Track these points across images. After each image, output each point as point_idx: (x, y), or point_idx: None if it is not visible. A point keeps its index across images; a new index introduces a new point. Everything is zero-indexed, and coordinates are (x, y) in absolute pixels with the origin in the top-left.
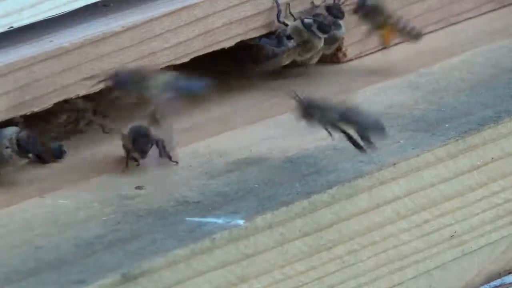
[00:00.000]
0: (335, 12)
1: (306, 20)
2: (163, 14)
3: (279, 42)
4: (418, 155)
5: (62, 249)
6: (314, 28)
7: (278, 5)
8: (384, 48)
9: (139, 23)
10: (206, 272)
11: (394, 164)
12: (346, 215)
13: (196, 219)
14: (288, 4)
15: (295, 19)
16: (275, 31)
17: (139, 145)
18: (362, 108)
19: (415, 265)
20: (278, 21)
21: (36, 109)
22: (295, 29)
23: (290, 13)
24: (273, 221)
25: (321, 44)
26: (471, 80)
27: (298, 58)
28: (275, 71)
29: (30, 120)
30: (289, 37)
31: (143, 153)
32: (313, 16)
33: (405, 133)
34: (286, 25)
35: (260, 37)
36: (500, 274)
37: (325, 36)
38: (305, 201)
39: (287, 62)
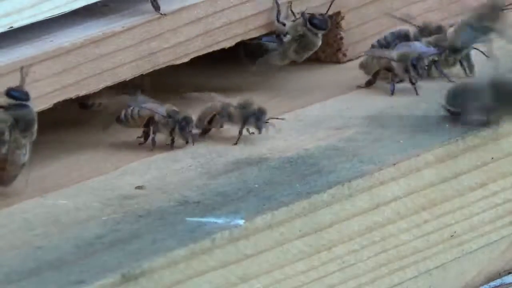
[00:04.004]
0: (317, 22)
1: (305, 16)
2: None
3: (279, 41)
4: (418, 155)
5: (62, 249)
6: (308, 23)
7: (278, 5)
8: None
9: (139, 23)
10: (206, 272)
11: (394, 164)
12: (346, 215)
13: (196, 219)
14: (290, 3)
15: (296, 19)
16: (275, 31)
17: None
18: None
19: (415, 265)
20: (278, 21)
21: (35, 109)
22: (292, 25)
23: (291, 11)
24: (273, 221)
25: (319, 41)
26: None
27: (296, 58)
28: (272, 69)
29: None
30: (285, 35)
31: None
32: (311, 14)
33: (405, 133)
34: (285, 25)
35: (263, 36)
36: (500, 274)
37: (322, 32)
38: (305, 201)
39: (285, 61)
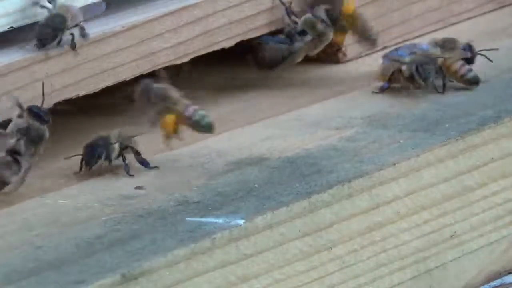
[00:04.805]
0: (334, 17)
1: (318, 13)
2: (163, 14)
3: (292, 40)
4: (418, 155)
5: (62, 249)
6: (326, 19)
7: (283, 3)
8: (385, 47)
9: (139, 23)
10: (206, 272)
11: (394, 164)
12: (346, 215)
13: (196, 219)
14: (290, 3)
15: (296, 18)
16: (283, 29)
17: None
18: None
19: (415, 265)
20: (289, 18)
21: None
22: (308, 22)
23: (291, 11)
24: (273, 221)
25: (331, 35)
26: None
27: (310, 53)
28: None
29: None
30: (300, 33)
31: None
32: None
33: (405, 133)
34: (296, 22)
35: (266, 36)
36: (500, 274)
37: (334, 27)
38: (305, 201)
39: (300, 59)
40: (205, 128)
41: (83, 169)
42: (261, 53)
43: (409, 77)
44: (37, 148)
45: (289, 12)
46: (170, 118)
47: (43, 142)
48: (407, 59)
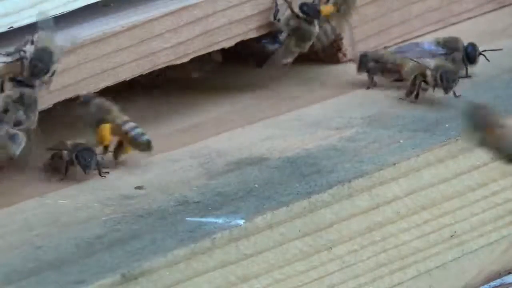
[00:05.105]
0: (309, 11)
1: (292, 9)
2: (163, 14)
3: (275, 40)
4: (418, 155)
5: (62, 249)
6: (300, 13)
7: (276, 4)
8: (385, 48)
9: (139, 23)
10: (206, 272)
11: (394, 164)
12: (346, 215)
13: (196, 219)
14: (290, 3)
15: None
16: (273, 30)
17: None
18: None
19: (415, 265)
20: (274, 18)
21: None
22: (283, 21)
23: (291, 11)
24: (273, 221)
25: (315, 30)
26: (471, 80)
27: (300, 50)
28: (279, 68)
29: None
30: (279, 32)
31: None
32: (300, 4)
33: (405, 133)
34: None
35: (263, 37)
36: (500, 274)
37: (317, 20)
38: (305, 201)
39: (290, 58)
40: (143, 145)
41: (67, 172)
42: (253, 51)
43: (433, 83)
44: (35, 116)
45: (276, 13)
46: (105, 128)
47: (37, 108)
48: (431, 63)
